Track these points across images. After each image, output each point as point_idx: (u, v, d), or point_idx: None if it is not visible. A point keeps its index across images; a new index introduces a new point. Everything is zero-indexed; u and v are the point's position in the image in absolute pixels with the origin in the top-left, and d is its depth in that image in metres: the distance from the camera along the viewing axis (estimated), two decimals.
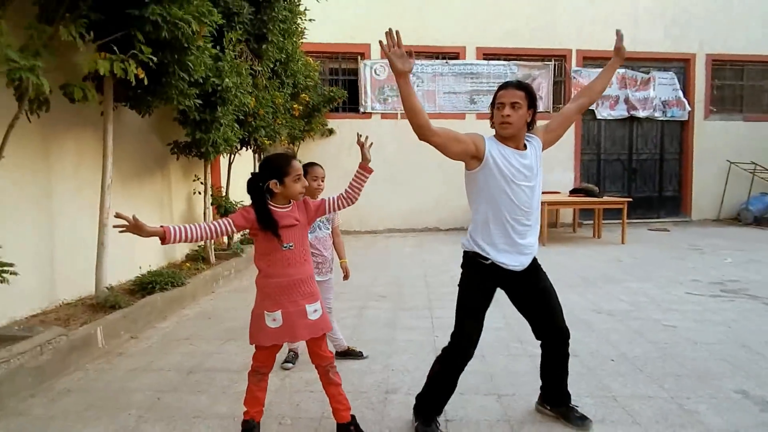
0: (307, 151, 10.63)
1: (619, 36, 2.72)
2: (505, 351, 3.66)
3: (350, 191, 2.53)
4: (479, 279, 2.51)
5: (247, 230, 2.39)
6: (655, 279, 6.12)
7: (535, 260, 2.57)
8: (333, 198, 2.53)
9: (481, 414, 2.75)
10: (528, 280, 2.55)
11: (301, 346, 3.64)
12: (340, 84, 11.25)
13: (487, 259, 2.46)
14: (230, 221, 2.35)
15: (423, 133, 2.35)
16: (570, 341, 2.64)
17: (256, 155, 8.55)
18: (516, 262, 2.47)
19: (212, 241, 6.49)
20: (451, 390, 2.57)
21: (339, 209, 2.56)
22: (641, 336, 4.01)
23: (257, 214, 2.33)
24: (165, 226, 2.21)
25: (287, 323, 2.36)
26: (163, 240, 2.21)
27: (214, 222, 2.35)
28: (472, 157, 2.45)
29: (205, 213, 6.34)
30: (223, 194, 7.06)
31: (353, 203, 2.56)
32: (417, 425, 2.55)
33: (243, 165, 8.53)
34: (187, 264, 5.84)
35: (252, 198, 2.38)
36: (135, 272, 5.36)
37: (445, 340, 3.91)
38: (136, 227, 2.14)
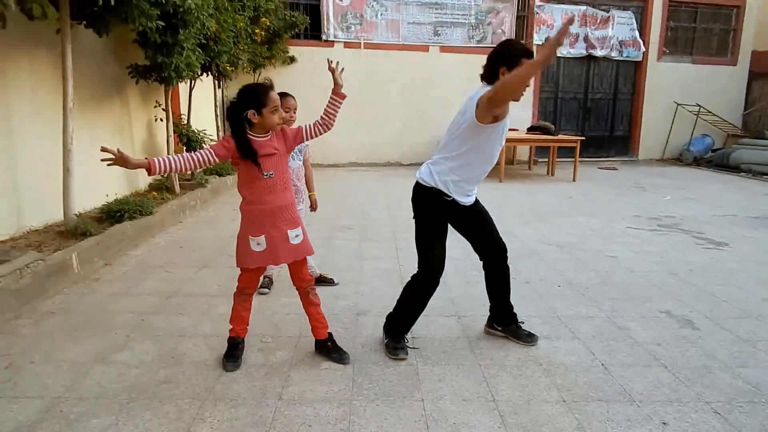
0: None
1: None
2: (464, 278, 3.98)
3: (325, 117, 2.60)
4: (439, 211, 2.72)
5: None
6: (601, 215, 6.60)
7: None
8: (309, 125, 2.60)
9: (444, 332, 3.08)
10: (470, 209, 2.80)
11: (280, 274, 3.86)
12: (301, 9, 10.82)
13: (448, 196, 2.68)
14: (212, 151, 2.44)
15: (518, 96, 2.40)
16: (523, 269, 2.95)
17: (218, 82, 8.32)
18: (469, 201, 2.76)
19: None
20: (419, 312, 2.83)
21: (316, 136, 2.62)
22: (585, 265, 4.44)
23: (237, 143, 2.42)
24: (150, 158, 2.29)
25: (270, 247, 2.53)
26: (149, 171, 2.31)
27: (197, 153, 2.44)
28: (499, 114, 2.54)
29: (168, 141, 6.24)
30: (185, 122, 6.92)
31: (329, 129, 2.63)
32: (387, 341, 2.83)
33: (204, 93, 8.30)
34: (154, 193, 5.83)
35: (231, 127, 2.45)
36: (100, 200, 5.33)
37: (409, 268, 4.21)
38: (121, 160, 2.24)
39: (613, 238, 5.41)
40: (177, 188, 6.29)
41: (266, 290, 3.61)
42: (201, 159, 2.42)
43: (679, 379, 2.57)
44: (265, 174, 2.46)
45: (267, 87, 2.45)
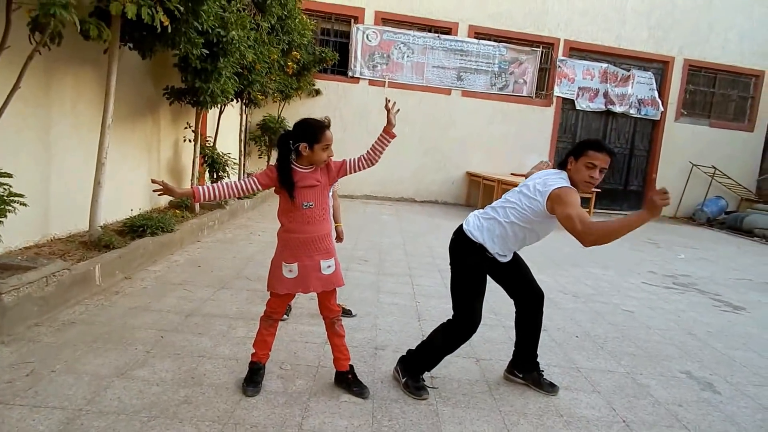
0: (293, 111, 10.60)
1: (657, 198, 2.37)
2: (482, 321, 3.96)
3: (372, 153, 2.60)
4: (479, 263, 2.74)
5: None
6: (615, 267, 6.58)
7: None
8: (354, 159, 2.60)
9: (463, 374, 3.06)
10: (510, 263, 2.85)
11: (298, 302, 3.87)
12: (331, 46, 11.17)
13: (489, 252, 2.72)
14: (255, 179, 2.51)
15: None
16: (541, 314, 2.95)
17: (246, 108, 8.52)
18: (507, 259, 2.81)
19: None
20: (444, 356, 2.84)
21: (359, 170, 2.63)
22: (602, 317, 4.41)
23: (279, 172, 2.49)
24: (195, 186, 2.38)
25: (302, 275, 2.55)
26: (194, 198, 2.42)
27: (241, 180, 2.51)
28: None
29: (194, 161, 6.36)
30: (211, 144, 7.07)
31: (373, 165, 2.63)
32: (406, 380, 2.79)
33: (229, 118, 8.50)
34: (176, 211, 5.90)
35: (279, 154, 2.51)
36: (123, 214, 5.41)
37: (426, 305, 4.22)
38: (167, 190, 2.38)
39: (629, 292, 5.39)
40: (197, 207, 6.37)
41: (285, 317, 3.61)
42: (244, 187, 2.49)
43: None
44: (305, 204, 2.51)
45: (324, 125, 2.49)
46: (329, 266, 2.59)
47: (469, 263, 2.74)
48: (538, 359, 3.00)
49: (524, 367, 2.99)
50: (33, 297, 3.13)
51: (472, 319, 2.71)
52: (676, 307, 4.99)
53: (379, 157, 2.63)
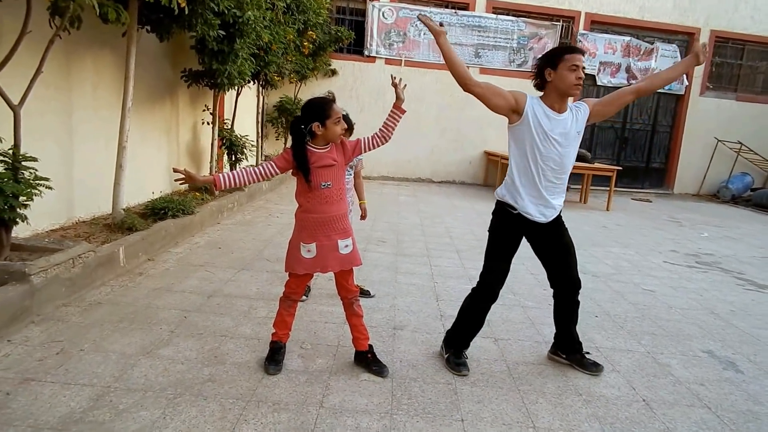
0: (309, 92, 10.56)
1: (699, 48, 2.67)
2: (500, 301, 3.94)
3: (384, 130, 2.64)
4: (507, 227, 2.77)
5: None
6: (636, 246, 6.50)
7: (559, 217, 2.82)
8: (368, 137, 2.64)
9: (481, 354, 3.07)
10: (551, 234, 2.81)
11: (317, 282, 3.91)
12: (346, 24, 11.05)
13: (514, 209, 2.71)
14: (273, 164, 2.53)
15: (464, 83, 2.58)
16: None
17: (263, 89, 8.51)
18: (540, 214, 2.71)
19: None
20: (479, 326, 2.89)
21: (374, 148, 2.67)
22: (623, 297, 4.38)
23: (294, 155, 2.50)
24: (215, 174, 2.41)
25: (320, 255, 2.57)
26: (215, 186, 2.46)
27: (259, 166, 2.53)
28: (513, 111, 2.64)
29: (212, 144, 6.41)
30: (229, 127, 7.10)
31: (387, 142, 2.67)
32: (448, 356, 2.86)
33: (247, 100, 8.51)
34: (196, 194, 5.97)
35: (293, 139, 2.53)
36: (144, 197, 5.50)
37: (444, 286, 4.23)
38: (189, 178, 2.42)
39: (650, 271, 5.32)
40: (216, 190, 6.43)
41: (304, 297, 3.66)
42: (263, 172, 2.52)
43: (723, 422, 2.51)
44: (323, 185, 2.52)
45: (330, 100, 2.53)
46: (347, 245, 2.61)
47: (497, 225, 2.81)
48: (580, 340, 3.00)
49: (566, 348, 3.00)
50: (60, 278, 3.21)
51: (488, 280, 2.78)
52: (698, 286, 4.92)
53: (392, 133, 2.67)
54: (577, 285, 2.89)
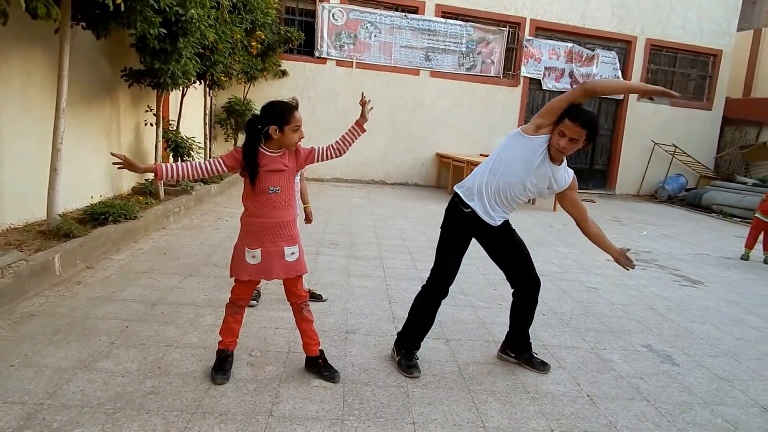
0: (259, 92, 10.37)
1: (623, 255, 3.07)
2: (451, 302, 4.01)
3: (341, 144, 2.62)
4: (458, 224, 2.81)
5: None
6: (581, 246, 6.73)
7: (508, 221, 2.89)
8: (323, 148, 2.61)
9: (432, 355, 3.09)
10: (501, 235, 2.86)
11: (267, 287, 3.83)
12: (296, 25, 10.92)
13: (467, 207, 2.75)
14: (221, 161, 2.45)
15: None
16: (507, 296, 3.04)
17: (210, 90, 8.29)
18: (489, 218, 2.76)
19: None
20: (429, 324, 2.90)
21: (327, 159, 2.64)
22: (568, 295, 4.52)
23: (244, 155, 2.43)
24: (158, 163, 2.31)
25: (265, 261, 2.51)
26: (156, 176, 2.35)
27: (206, 161, 2.44)
28: (552, 123, 2.64)
29: (156, 145, 6.17)
30: (174, 128, 6.86)
31: (341, 156, 2.66)
32: (399, 359, 2.85)
33: (193, 100, 8.27)
34: (139, 197, 5.73)
35: (246, 138, 2.46)
36: (83, 201, 5.24)
37: (397, 288, 4.23)
38: (129, 165, 2.31)
39: (594, 269, 5.53)
40: (161, 193, 6.20)
41: (255, 302, 3.57)
42: (209, 168, 2.43)
43: (661, 413, 2.63)
44: (271, 189, 2.46)
45: (293, 106, 2.46)
46: (293, 253, 2.56)
47: (445, 219, 2.87)
48: (530, 341, 3.06)
49: (517, 347, 3.04)
50: None
51: (440, 274, 2.81)
52: (638, 282, 5.15)
53: (348, 149, 2.67)
54: (537, 283, 2.96)
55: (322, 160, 2.62)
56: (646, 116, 13.23)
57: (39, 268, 3.48)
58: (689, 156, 13.28)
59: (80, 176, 5.24)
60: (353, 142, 2.67)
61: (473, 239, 2.87)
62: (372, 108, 2.74)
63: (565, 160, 2.78)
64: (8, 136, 4.21)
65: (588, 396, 2.74)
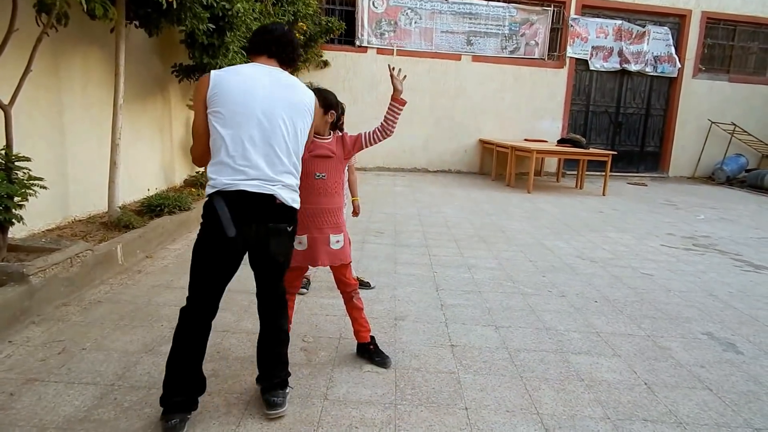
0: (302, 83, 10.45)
1: None
2: (499, 289, 3.98)
3: (385, 124, 2.57)
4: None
5: None
6: (633, 231, 6.52)
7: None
8: (369, 132, 2.58)
9: (483, 342, 3.08)
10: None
11: (317, 274, 3.91)
12: (337, 15, 10.95)
13: None
14: None
15: None
16: (558, 283, 2.95)
17: None
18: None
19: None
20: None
21: (375, 143, 2.60)
22: (621, 282, 4.39)
23: None
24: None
25: (311, 247, 2.55)
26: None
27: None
28: None
29: None
30: None
31: (389, 136, 2.59)
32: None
33: None
34: (192, 189, 5.94)
35: None
36: (140, 194, 5.47)
37: (443, 275, 4.22)
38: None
39: (648, 255, 5.34)
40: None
41: (305, 290, 3.65)
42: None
43: (725, 403, 2.54)
44: (317, 175, 2.50)
45: (332, 96, 2.55)
46: (338, 241, 2.58)
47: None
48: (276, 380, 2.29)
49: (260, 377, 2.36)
50: (59, 278, 3.20)
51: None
52: (696, 268, 4.95)
53: (394, 127, 2.60)
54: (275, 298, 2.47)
55: (371, 144, 2.60)
56: (702, 94, 12.57)
57: (103, 257, 3.67)
58: (750, 134, 12.55)
59: (137, 170, 5.48)
60: (396, 118, 2.58)
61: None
62: (405, 77, 2.61)
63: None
64: (72, 134, 4.43)
65: (646, 384, 2.67)
